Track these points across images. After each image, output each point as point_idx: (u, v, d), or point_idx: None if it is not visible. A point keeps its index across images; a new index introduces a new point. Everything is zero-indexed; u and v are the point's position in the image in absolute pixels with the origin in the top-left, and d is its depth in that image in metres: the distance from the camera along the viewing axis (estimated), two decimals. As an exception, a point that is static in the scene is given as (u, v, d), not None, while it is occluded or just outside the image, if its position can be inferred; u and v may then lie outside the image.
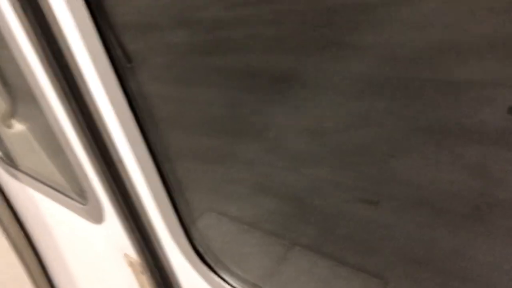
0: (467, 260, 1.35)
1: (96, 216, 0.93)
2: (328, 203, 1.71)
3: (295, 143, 1.97)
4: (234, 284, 0.71)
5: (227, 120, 2.20)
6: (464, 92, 1.60)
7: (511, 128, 1.45)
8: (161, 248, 0.81)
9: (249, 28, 2.33)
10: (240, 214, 1.86)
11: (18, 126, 1.33)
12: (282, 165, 1.93)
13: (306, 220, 1.71)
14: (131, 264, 0.91)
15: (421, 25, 1.83)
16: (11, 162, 1.21)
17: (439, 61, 1.75)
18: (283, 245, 1.64)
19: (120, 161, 0.74)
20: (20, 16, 0.68)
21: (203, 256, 0.74)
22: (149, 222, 0.79)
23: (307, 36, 2.15)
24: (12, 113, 1.34)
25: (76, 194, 1.04)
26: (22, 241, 1.30)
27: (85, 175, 0.86)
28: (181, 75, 2.49)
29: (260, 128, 2.11)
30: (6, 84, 1.35)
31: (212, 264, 0.73)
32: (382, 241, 1.53)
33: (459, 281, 1.32)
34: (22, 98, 1.43)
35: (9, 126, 1.31)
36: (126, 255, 0.91)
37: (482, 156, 1.49)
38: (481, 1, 1.61)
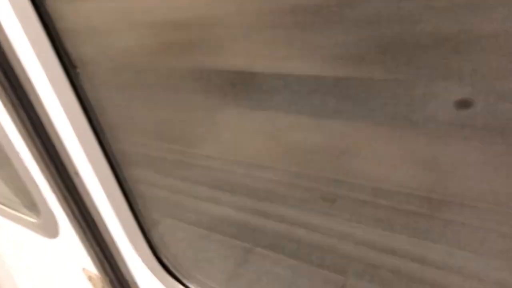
0: (421, 254, 1.40)
1: (50, 230, 0.88)
2: (285, 202, 1.72)
3: (249, 145, 1.97)
4: (201, 293, 0.70)
5: (181, 123, 2.17)
6: (412, 88, 1.66)
7: (458, 122, 1.51)
8: (122, 260, 0.78)
9: (200, 29, 2.31)
10: (198, 219, 1.84)
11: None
12: (237, 167, 1.93)
13: (265, 221, 1.71)
14: (90, 278, 0.87)
15: (366, 22, 1.88)
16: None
17: (386, 59, 1.80)
18: (244, 248, 1.63)
19: (76, 172, 0.71)
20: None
21: (167, 267, 0.72)
22: (108, 234, 0.76)
23: (258, 36, 2.15)
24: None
25: (26, 208, 0.98)
26: (-32, 261, 1.22)
27: (36, 188, 0.82)
28: (131, 79, 2.43)
29: (214, 130, 2.09)
30: None
31: (178, 275, 0.71)
32: (340, 238, 1.55)
33: (414, 274, 1.36)
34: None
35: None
36: (84, 270, 0.88)
37: (431, 151, 1.55)
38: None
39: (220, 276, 1.65)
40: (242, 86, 2.07)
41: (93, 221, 0.79)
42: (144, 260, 0.75)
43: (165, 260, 0.75)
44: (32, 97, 0.68)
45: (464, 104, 1.65)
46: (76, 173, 0.72)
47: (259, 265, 1.58)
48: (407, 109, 1.67)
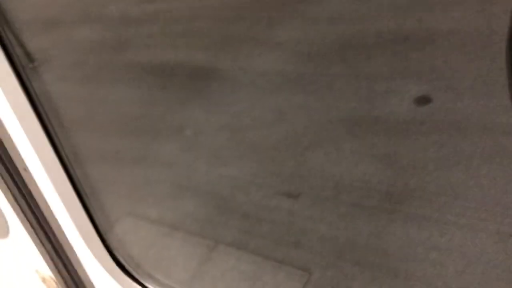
0: (383, 247, 1.42)
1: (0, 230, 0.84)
2: (249, 199, 1.71)
3: (213, 142, 1.95)
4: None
5: (142, 119, 2.12)
6: (373, 85, 1.68)
7: (417, 118, 1.54)
8: (76, 260, 0.75)
9: (161, 24, 2.26)
10: (159, 217, 1.80)
11: None
12: (200, 164, 1.90)
13: (229, 218, 1.70)
14: (44, 280, 0.83)
15: (329, 20, 1.90)
16: None
17: (348, 56, 1.82)
18: (207, 245, 1.61)
19: (25, 169, 0.67)
20: None
21: (123, 265, 0.69)
22: (61, 233, 0.73)
23: (221, 32, 2.13)
24: None
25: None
26: None
27: (-17, 186, 0.77)
28: (90, 74, 2.36)
29: (176, 127, 2.06)
30: None
31: (134, 273, 0.69)
32: (304, 233, 1.56)
33: (377, 267, 1.38)
34: None
35: None
36: (38, 271, 0.83)
37: (392, 146, 1.57)
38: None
39: (181, 275, 1.62)
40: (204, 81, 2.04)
41: (45, 219, 0.75)
42: (100, 260, 0.72)
43: (121, 260, 0.72)
44: None
45: (423, 100, 1.69)
46: (25, 169, 0.68)
47: (222, 263, 1.56)
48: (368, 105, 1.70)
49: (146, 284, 0.68)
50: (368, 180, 1.53)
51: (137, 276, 0.68)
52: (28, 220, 0.76)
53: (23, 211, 0.75)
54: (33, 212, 0.74)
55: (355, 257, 1.43)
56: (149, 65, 2.24)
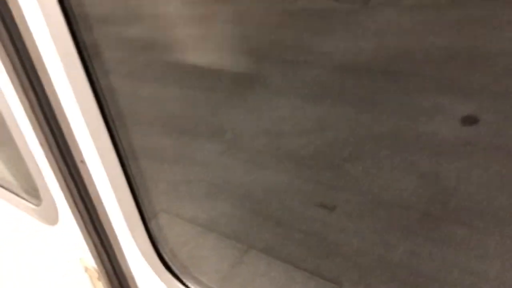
0: (417, 267, 1.39)
1: (50, 217, 0.87)
2: (284, 206, 1.71)
3: (251, 145, 1.96)
4: (199, 292, 0.69)
5: (184, 119, 2.16)
6: (418, 101, 1.65)
7: (462, 138, 1.51)
8: (120, 252, 0.77)
9: (209, 27, 2.30)
10: (194, 216, 1.83)
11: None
12: (237, 167, 1.92)
13: (262, 223, 1.70)
14: (87, 269, 0.86)
15: (378, 33, 1.88)
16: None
17: (395, 69, 1.80)
18: (239, 249, 1.62)
19: (82, 161, 0.70)
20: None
21: (166, 262, 0.71)
22: (109, 225, 0.75)
23: (267, 38, 2.15)
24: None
25: (26, 192, 0.97)
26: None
27: (39, 173, 0.81)
28: (136, 71, 2.43)
29: (217, 128, 2.08)
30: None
31: (177, 271, 0.70)
32: (337, 246, 1.55)
33: (410, 285, 1.35)
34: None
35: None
36: (81, 260, 0.87)
37: (434, 164, 1.54)
38: (439, 14, 1.67)
39: (213, 276, 1.64)
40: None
41: (95, 211, 0.78)
42: (143, 254, 0.74)
43: (164, 255, 0.74)
44: (43, 80, 0.67)
45: (469, 120, 1.65)
46: (82, 161, 0.71)
47: (253, 268, 1.57)
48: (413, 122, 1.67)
49: (184, 280, 0.69)
50: (406, 198, 1.51)
51: (180, 275, 0.70)
52: (78, 210, 0.79)
53: (74, 201, 0.78)
54: (84, 203, 0.77)
55: (387, 274, 1.41)
56: (194, 66, 2.29)
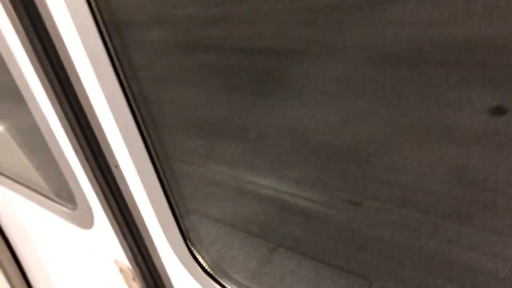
0: (448, 260, 1.38)
1: (85, 221, 0.90)
2: (311, 204, 1.71)
3: (276, 144, 1.97)
4: (232, 289, 0.70)
5: (208, 120, 2.18)
6: (444, 93, 1.63)
7: (492, 129, 1.49)
8: (155, 253, 0.79)
9: (229, 27, 2.32)
10: (221, 216, 1.84)
11: (-3, 127, 1.28)
12: (262, 166, 1.93)
13: (290, 222, 1.71)
14: (121, 270, 0.89)
15: (401, 24, 1.86)
16: (-10, 165, 1.17)
17: (419, 61, 1.78)
18: (267, 247, 1.63)
19: (116, 165, 0.72)
20: (9, 10, 0.65)
21: (200, 262, 0.73)
22: (143, 227, 0.78)
23: (288, 35, 2.15)
24: (-10, 114, 1.29)
25: (60, 198, 1.00)
26: (2, 248, 1.25)
27: (74, 179, 0.83)
28: (159, 74, 2.46)
29: (241, 128, 2.09)
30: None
31: (211, 271, 0.72)
32: (365, 242, 1.54)
33: (442, 280, 1.34)
34: (1, 98, 1.38)
35: (-13, 128, 1.26)
36: (116, 261, 0.89)
37: (463, 157, 1.52)
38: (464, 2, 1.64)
39: (241, 274, 1.65)
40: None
41: (129, 214, 0.80)
42: (177, 254, 0.76)
43: (197, 254, 0.75)
44: (76, 88, 0.69)
45: (498, 111, 1.62)
46: (116, 166, 0.73)
47: (282, 266, 1.58)
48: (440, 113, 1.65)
49: (220, 280, 0.70)
50: (434, 192, 1.49)
51: (214, 274, 0.71)
52: (113, 214, 0.81)
53: (109, 205, 0.80)
54: (118, 206, 0.79)
55: (417, 268, 1.40)
56: (217, 67, 2.30)
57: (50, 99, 0.74)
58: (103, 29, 0.60)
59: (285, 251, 1.63)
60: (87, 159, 0.74)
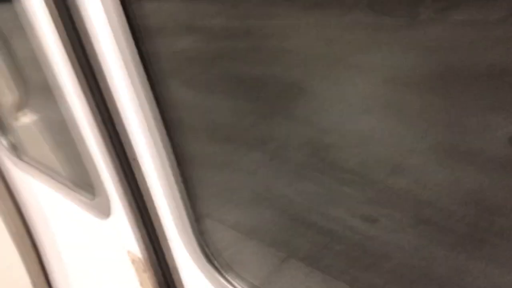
0: (460, 284, 1.36)
1: (103, 211, 0.93)
2: (325, 217, 1.72)
3: (295, 156, 1.98)
4: None
5: (230, 128, 2.21)
6: (467, 117, 1.63)
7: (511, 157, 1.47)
8: (167, 246, 0.82)
9: (257, 39, 2.36)
10: (236, 222, 1.86)
11: (25, 119, 1.33)
12: (280, 176, 1.94)
13: (303, 233, 1.72)
14: (134, 261, 0.91)
15: (428, 47, 1.86)
16: (17, 153, 1.21)
17: (444, 85, 1.78)
18: (279, 257, 1.64)
19: (134, 158, 0.75)
20: (50, 9, 0.69)
21: (209, 257, 0.75)
22: (158, 220, 0.80)
23: (313, 52, 2.17)
24: (21, 106, 1.35)
25: (81, 188, 1.04)
26: (21, 232, 1.30)
27: (95, 169, 0.87)
28: (186, 81, 2.51)
29: (261, 138, 2.12)
30: (17, 77, 1.36)
31: (219, 266, 0.74)
32: (377, 259, 1.54)
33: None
34: (31, 91, 1.43)
35: (17, 118, 1.32)
36: (129, 252, 0.92)
37: (481, 182, 1.51)
38: (486, 31, 1.64)
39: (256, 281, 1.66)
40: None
41: (145, 206, 0.82)
42: (188, 250, 0.78)
43: (208, 252, 0.77)
44: (103, 86, 0.73)
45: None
46: (134, 159, 0.76)
47: (292, 277, 1.58)
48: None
49: (230, 279, 0.72)
50: (451, 214, 1.48)
51: (222, 270, 0.73)
52: (130, 205, 0.84)
53: (126, 197, 0.83)
54: (135, 199, 0.82)
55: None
56: (242, 77, 2.34)
57: (78, 95, 0.78)
58: (136, 33, 0.63)
59: (295, 262, 1.64)
60: (108, 151, 0.78)
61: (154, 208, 0.79)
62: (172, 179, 0.72)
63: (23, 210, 1.32)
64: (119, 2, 0.60)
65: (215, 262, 0.75)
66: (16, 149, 1.24)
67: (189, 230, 0.75)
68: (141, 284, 0.94)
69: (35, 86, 1.41)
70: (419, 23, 1.81)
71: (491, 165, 1.52)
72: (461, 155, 1.57)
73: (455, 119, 1.62)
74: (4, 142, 1.24)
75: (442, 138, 1.61)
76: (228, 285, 0.73)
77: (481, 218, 1.43)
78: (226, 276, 0.73)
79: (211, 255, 0.75)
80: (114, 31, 0.64)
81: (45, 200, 1.19)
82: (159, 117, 0.68)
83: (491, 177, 1.49)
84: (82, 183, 1.03)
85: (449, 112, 1.64)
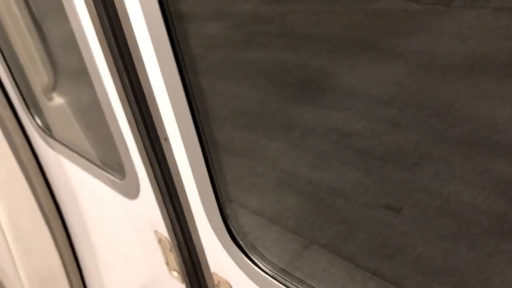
0: (484, 277, 1.35)
1: (131, 191, 0.95)
2: (349, 205, 1.72)
3: (319, 144, 1.98)
4: (265, 269, 0.73)
5: (255, 115, 2.22)
6: (496, 107, 1.59)
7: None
8: (194, 227, 0.83)
9: (285, 25, 2.35)
10: (259, 208, 1.88)
11: (58, 99, 1.37)
12: (304, 164, 1.95)
13: (326, 220, 1.72)
14: (160, 240, 0.93)
15: (459, 35, 1.83)
16: (50, 133, 1.25)
17: (473, 74, 1.74)
18: (301, 243, 1.65)
19: (166, 138, 0.76)
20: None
21: (235, 238, 0.76)
22: (185, 201, 0.82)
23: (342, 38, 2.15)
24: (54, 87, 1.38)
25: (110, 168, 1.07)
26: (52, 210, 1.34)
27: (126, 149, 0.89)
28: (212, 67, 2.52)
29: (286, 125, 2.12)
30: (50, 59, 1.39)
31: (244, 247, 0.75)
32: (400, 248, 1.53)
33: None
34: (64, 73, 1.47)
35: (50, 99, 1.35)
36: (156, 232, 0.94)
37: (508, 174, 1.48)
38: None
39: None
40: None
41: (174, 187, 0.84)
42: (215, 230, 0.79)
43: (234, 233, 0.79)
44: (138, 66, 0.74)
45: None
46: (166, 139, 0.77)
47: (314, 263, 1.59)
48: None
49: (254, 259, 0.73)
50: (476, 206, 1.46)
51: (246, 250, 0.75)
52: (159, 186, 0.86)
53: (156, 177, 0.85)
54: (164, 179, 0.84)
55: (451, 281, 1.38)
56: (268, 64, 2.34)
57: (113, 75, 0.80)
58: (168, 18, 0.64)
59: (318, 248, 1.65)
60: (139, 130, 0.79)
61: (182, 189, 0.80)
62: (201, 161, 0.73)
63: (54, 188, 1.36)
64: None
65: (241, 243, 0.76)
66: (48, 128, 1.27)
67: (216, 211, 0.76)
68: (167, 263, 0.96)
69: (68, 68, 1.45)
70: (452, 9, 1.77)
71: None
72: (489, 146, 1.54)
73: (485, 109, 1.59)
74: (38, 121, 1.27)
75: (471, 128, 1.59)
76: (253, 265, 0.74)
77: (508, 211, 1.41)
78: (252, 256, 0.74)
79: (237, 236, 0.77)
80: (146, 16, 0.65)
81: (75, 179, 1.22)
82: (188, 96, 0.69)
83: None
84: (112, 163, 1.06)
85: (478, 101, 1.61)
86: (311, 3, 2.17)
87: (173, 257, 0.92)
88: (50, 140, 1.24)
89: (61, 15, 0.88)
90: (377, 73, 1.95)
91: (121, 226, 1.11)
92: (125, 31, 0.71)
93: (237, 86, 2.39)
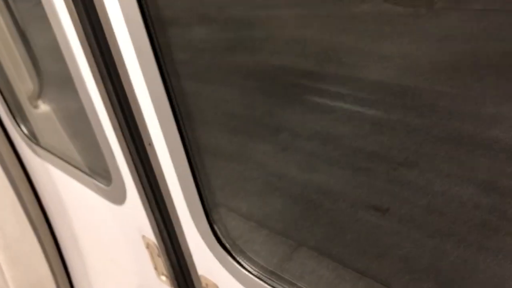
0: (470, 277, 1.37)
1: (118, 197, 0.96)
2: (336, 207, 1.73)
3: (306, 147, 1.99)
4: (251, 270, 0.74)
5: (241, 119, 2.23)
6: (480, 107, 1.62)
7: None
8: (180, 232, 0.84)
9: (271, 30, 2.36)
10: (247, 211, 1.88)
11: (43, 107, 1.37)
12: (291, 167, 1.96)
13: (314, 222, 1.73)
14: (148, 245, 0.94)
15: (442, 37, 1.85)
16: (35, 140, 1.25)
17: (456, 75, 1.77)
18: (289, 245, 1.66)
19: (150, 143, 0.77)
20: (69, 4, 0.71)
21: (222, 242, 0.77)
22: (172, 206, 0.82)
23: (327, 41, 2.17)
24: (39, 94, 1.38)
25: (97, 174, 1.07)
26: (39, 217, 1.33)
27: (112, 155, 0.89)
28: (198, 72, 2.53)
29: (273, 129, 2.13)
30: (35, 66, 1.39)
31: (231, 250, 0.76)
32: (388, 248, 1.55)
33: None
34: (49, 80, 1.47)
35: (36, 107, 1.35)
36: (144, 237, 0.94)
37: (493, 172, 1.50)
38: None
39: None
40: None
41: (159, 192, 0.85)
42: (202, 235, 0.80)
43: (221, 238, 0.79)
44: (120, 73, 0.75)
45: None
46: (150, 144, 0.78)
47: (302, 265, 1.60)
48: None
49: (241, 261, 0.74)
50: (462, 204, 1.48)
51: (233, 252, 0.75)
52: (145, 191, 0.86)
53: (141, 182, 0.86)
54: (150, 185, 0.84)
55: (439, 280, 1.39)
56: (254, 68, 2.35)
57: (97, 82, 0.80)
58: (150, 24, 0.65)
59: (306, 250, 1.66)
60: (124, 136, 0.80)
61: (168, 194, 0.81)
62: (186, 165, 0.74)
63: (41, 196, 1.35)
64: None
65: (227, 246, 0.77)
66: (34, 136, 1.27)
67: (202, 215, 0.77)
68: (156, 268, 0.96)
69: (53, 76, 1.44)
70: (435, 12, 1.79)
71: (505, 154, 1.51)
72: (473, 145, 1.56)
73: (468, 109, 1.61)
74: (24, 129, 1.27)
75: (455, 128, 1.61)
76: (240, 267, 0.75)
77: (494, 209, 1.43)
78: (238, 259, 0.75)
79: (223, 238, 0.77)
80: (128, 23, 0.66)
81: (62, 186, 1.22)
82: (172, 103, 0.70)
83: (504, 166, 1.49)
84: (99, 169, 1.06)
85: (462, 102, 1.63)
86: (296, 7, 2.19)
87: (161, 262, 0.92)
88: (37, 148, 1.24)
89: (45, 22, 0.89)
90: (362, 75, 1.97)
91: (109, 231, 1.11)
92: (108, 38, 0.72)
93: (223, 90, 2.40)
